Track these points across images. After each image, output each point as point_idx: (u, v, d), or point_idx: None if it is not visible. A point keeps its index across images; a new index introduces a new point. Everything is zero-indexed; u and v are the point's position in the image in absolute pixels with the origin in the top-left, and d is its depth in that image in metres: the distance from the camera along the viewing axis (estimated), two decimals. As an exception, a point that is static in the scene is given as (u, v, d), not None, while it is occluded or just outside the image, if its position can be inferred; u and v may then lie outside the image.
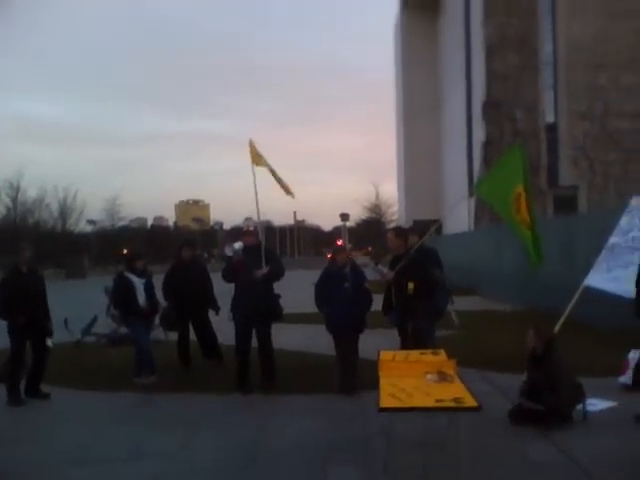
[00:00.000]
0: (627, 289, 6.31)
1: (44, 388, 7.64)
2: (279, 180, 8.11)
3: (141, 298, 8.10)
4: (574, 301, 7.04)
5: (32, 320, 7.31)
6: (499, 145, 34.56)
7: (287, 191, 8.19)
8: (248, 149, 8.04)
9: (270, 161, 8.01)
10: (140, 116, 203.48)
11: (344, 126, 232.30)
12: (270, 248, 8.07)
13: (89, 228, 66.65)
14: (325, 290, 7.41)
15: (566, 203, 33.63)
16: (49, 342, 7.81)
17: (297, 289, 13.78)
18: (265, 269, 7.46)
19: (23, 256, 7.55)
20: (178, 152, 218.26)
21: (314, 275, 10.08)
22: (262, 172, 8.03)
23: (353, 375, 7.18)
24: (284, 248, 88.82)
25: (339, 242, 37.19)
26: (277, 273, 7.67)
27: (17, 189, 54.55)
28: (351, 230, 74.29)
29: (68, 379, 8.42)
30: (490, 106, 36.76)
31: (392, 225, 60.51)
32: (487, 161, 34.69)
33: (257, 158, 8.00)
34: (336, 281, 7.31)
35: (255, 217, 9.14)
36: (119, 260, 17.24)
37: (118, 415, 6.85)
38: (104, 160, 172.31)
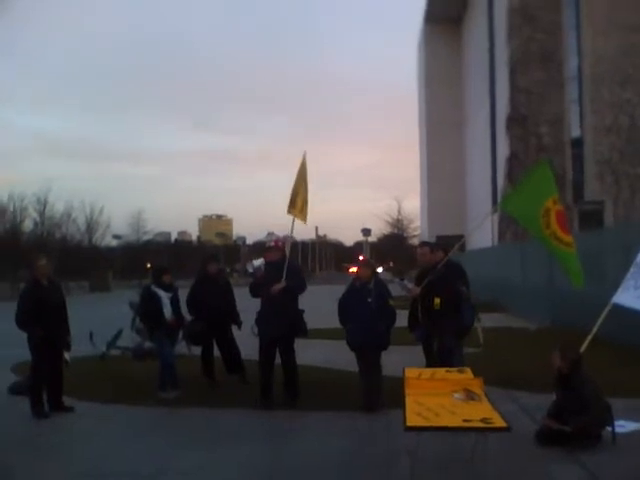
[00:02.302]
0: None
1: (68, 401, 7.68)
2: (304, 201, 8.07)
3: (167, 312, 8.13)
4: (601, 320, 6.91)
5: (50, 333, 7.32)
6: (524, 160, 34.39)
7: (303, 214, 8.11)
8: (300, 160, 8.11)
9: (287, 184, 8.08)
10: (160, 132, 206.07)
11: (366, 142, 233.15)
12: (293, 263, 8.05)
13: (114, 243, 67.41)
14: (348, 305, 7.38)
15: (592, 218, 33.22)
16: (67, 356, 7.86)
17: (319, 304, 13.75)
18: (282, 284, 7.43)
19: (39, 267, 7.58)
20: (200, 168, 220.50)
21: (336, 290, 10.05)
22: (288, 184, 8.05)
23: (377, 392, 7.11)
24: (306, 263, 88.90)
25: (362, 257, 37.12)
26: (296, 287, 7.60)
27: (44, 204, 55.35)
28: (372, 245, 74.14)
29: (92, 392, 8.46)
30: (514, 121, 36.59)
31: (415, 240, 60.33)
32: (511, 176, 34.49)
33: (302, 172, 8.05)
34: (360, 297, 7.27)
35: (277, 232, 9.18)
36: (143, 274, 17.42)
37: (140, 429, 6.86)
38: (128, 175, 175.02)
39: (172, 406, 7.64)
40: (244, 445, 6.07)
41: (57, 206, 56.74)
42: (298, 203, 8.07)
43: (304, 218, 8.21)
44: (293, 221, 8.14)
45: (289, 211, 8.10)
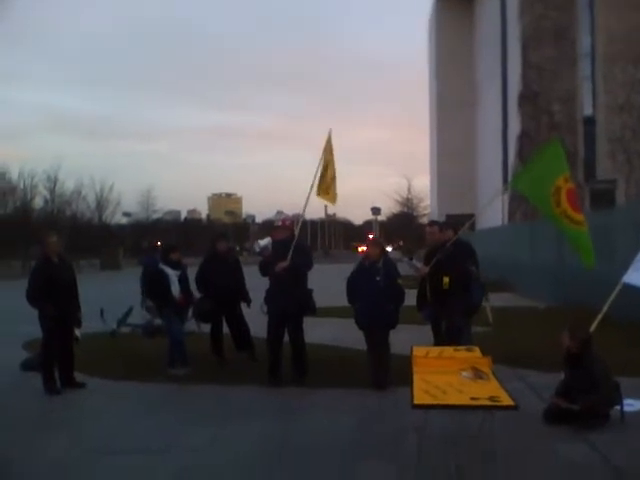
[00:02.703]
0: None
1: (79, 377, 7.77)
2: (332, 179, 7.79)
3: (175, 290, 8.16)
4: (611, 299, 6.88)
5: (61, 310, 7.38)
6: (535, 138, 34.05)
7: (331, 196, 7.86)
8: (325, 138, 7.79)
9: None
10: (171, 110, 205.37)
11: (377, 120, 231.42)
12: (301, 242, 8.01)
13: (124, 220, 67.66)
14: (357, 284, 7.38)
15: (603, 197, 32.95)
16: (77, 332, 7.92)
17: (328, 283, 13.76)
18: (286, 262, 7.39)
19: (49, 244, 7.61)
20: (210, 145, 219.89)
21: (345, 269, 10.06)
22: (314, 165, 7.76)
23: (385, 370, 7.14)
24: (315, 242, 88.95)
25: (371, 236, 37.08)
26: (301, 265, 7.54)
27: (55, 181, 55.48)
28: (382, 224, 74.03)
29: (103, 369, 8.55)
30: (526, 99, 36.18)
31: (425, 219, 60.14)
32: (522, 155, 34.20)
33: (328, 152, 7.76)
34: (368, 276, 7.27)
35: (287, 210, 9.14)
36: (152, 251, 17.43)
37: (150, 406, 6.93)
38: (138, 153, 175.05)
39: (182, 383, 7.71)
40: (254, 422, 6.12)
41: (67, 184, 56.91)
42: (326, 185, 7.81)
43: (333, 200, 8.00)
44: (307, 200, 7.92)
45: (318, 194, 7.85)
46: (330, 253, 72.17)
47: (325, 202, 8.06)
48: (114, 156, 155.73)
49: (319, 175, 7.79)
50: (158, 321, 10.20)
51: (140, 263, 17.54)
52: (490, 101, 44.52)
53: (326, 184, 7.83)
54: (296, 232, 7.93)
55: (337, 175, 7.88)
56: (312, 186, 7.80)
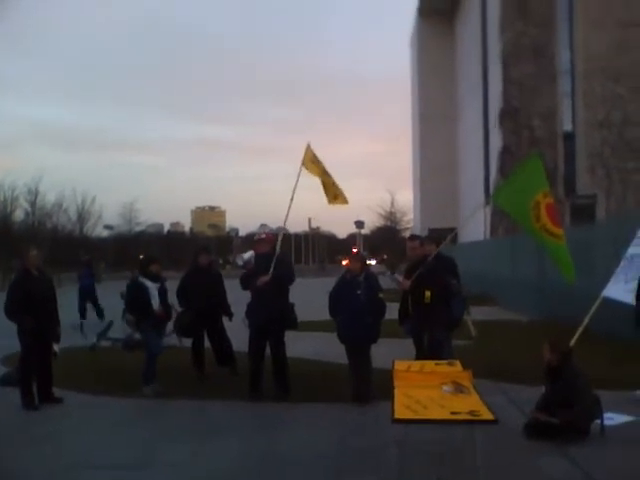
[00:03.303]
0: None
1: (57, 392, 7.65)
2: (333, 185, 7.98)
3: (155, 303, 8.05)
4: (592, 313, 6.94)
5: (40, 324, 7.28)
6: (516, 153, 34.40)
7: (341, 198, 8.03)
8: (304, 152, 7.93)
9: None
10: (154, 122, 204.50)
11: (359, 133, 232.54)
12: (283, 255, 8.02)
13: (106, 233, 67.19)
14: (339, 298, 7.37)
15: (584, 212, 33.33)
16: (56, 347, 7.81)
17: (311, 297, 13.74)
18: (267, 276, 7.39)
19: (30, 257, 7.54)
20: (193, 158, 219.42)
21: (328, 283, 10.05)
22: (305, 177, 7.96)
23: (366, 385, 7.11)
24: (299, 255, 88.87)
25: (354, 250, 37.12)
26: (283, 277, 7.55)
27: (36, 193, 55.05)
28: (365, 238, 74.20)
29: (82, 383, 8.44)
30: (507, 114, 36.61)
31: (408, 233, 60.39)
32: (504, 170, 34.52)
33: (310, 164, 7.89)
34: (350, 289, 7.26)
35: (270, 224, 9.14)
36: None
37: (130, 421, 6.85)
38: (120, 165, 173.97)
39: (162, 398, 7.63)
40: (233, 437, 6.07)
41: (48, 196, 56.51)
42: (331, 191, 8.01)
43: (344, 200, 8.13)
44: (287, 213, 8.05)
45: (329, 202, 8.07)
46: (326, 267, 71.89)
47: (339, 205, 8.20)
48: (96, 168, 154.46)
49: (323, 187, 7.94)
50: (138, 335, 10.10)
51: (79, 277, 17.48)
52: (472, 116, 45.00)
53: (331, 190, 7.99)
54: (277, 246, 7.92)
55: (316, 190, 8.06)
56: (292, 199, 7.95)
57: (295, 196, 7.99)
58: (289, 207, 7.99)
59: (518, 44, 36.55)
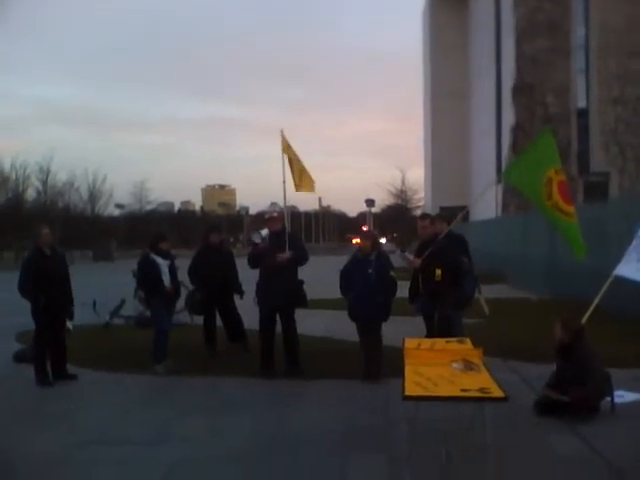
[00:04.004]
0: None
1: (71, 369, 7.75)
2: (301, 172, 8.11)
3: (166, 280, 8.04)
4: (603, 291, 6.91)
5: (54, 301, 7.37)
6: (529, 130, 34.10)
7: (308, 186, 8.21)
8: (279, 139, 8.05)
9: (298, 151, 8.11)
10: (164, 102, 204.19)
11: (371, 111, 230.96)
12: (294, 233, 8.07)
13: (117, 212, 67.47)
14: (350, 276, 7.38)
15: (597, 190, 33.05)
16: (69, 324, 7.87)
17: (322, 275, 13.78)
18: (289, 253, 7.46)
19: (42, 236, 7.58)
20: (203, 138, 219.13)
21: (339, 261, 10.06)
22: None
23: (377, 362, 7.15)
24: (309, 234, 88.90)
25: (365, 228, 37.07)
26: (301, 258, 7.67)
27: (47, 172, 55.20)
28: (376, 216, 74.09)
29: (96, 361, 8.54)
30: (520, 90, 36.20)
31: (418, 211, 60.23)
32: (516, 147, 34.26)
33: (287, 148, 8.04)
34: (361, 268, 7.27)
35: (280, 202, 9.15)
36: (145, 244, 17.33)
37: (143, 397, 6.93)
38: (131, 144, 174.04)
39: (174, 375, 7.71)
40: (246, 413, 6.14)
41: (60, 175, 56.68)
42: (299, 179, 8.13)
43: (310, 188, 8.31)
44: (284, 193, 8.16)
45: (297, 190, 8.19)
46: (344, 245, 71.23)
47: (306, 193, 8.42)
48: (107, 148, 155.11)
49: (290, 173, 8.07)
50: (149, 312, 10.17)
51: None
52: (484, 93, 44.52)
53: (298, 178, 8.09)
54: (286, 223, 7.95)
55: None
56: (284, 182, 8.07)
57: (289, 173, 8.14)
58: (284, 190, 8.12)
59: (532, 19, 36.02)
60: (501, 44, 40.53)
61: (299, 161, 8.16)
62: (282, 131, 8.05)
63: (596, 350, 5.90)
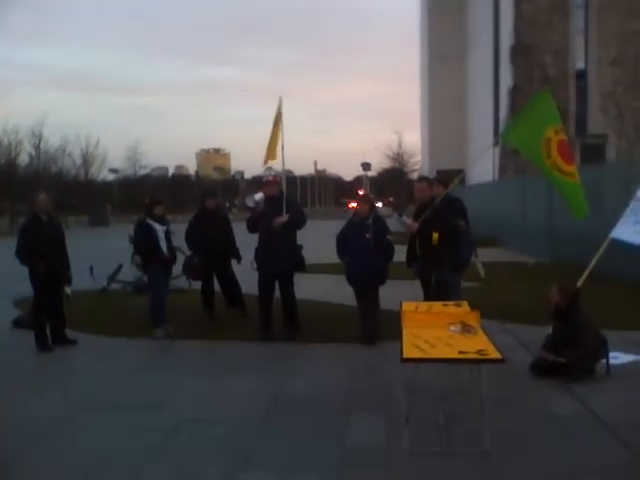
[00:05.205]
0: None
1: (71, 334, 7.79)
2: (272, 144, 7.94)
3: (163, 245, 8.03)
4: (599, 254, 6.92)
5: (51, 267, 7.37)
6: (527, 92, 33.65)
7: (267, 157, 8.00)
8: (277, 104, 7.99)
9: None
10: (158, 64, 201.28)
11: (367, 74, 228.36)
12: (291, 198, 8.02)
13: (111, 177, 66.97)
14: (346, 241, 7.38)
15: (594, 152, 32.89)
16: (67, 290, 7.89)
17: (318, 240, 13.78)
18: (285, 217, 7.44)
19: (38, 202, 7.55)
20: (197, 101, 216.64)
21: (335, 225, 10.05)
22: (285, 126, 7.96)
23: (375, 326, 7.20)
24: (305, 198, 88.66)
25: (361, 192, 36.95)
26: (297, 221, 7.63)
27: (39, 137, 54.53)
28: (372, 180, 73.76)
29: (94, 326, 8.58)
30: (518, 51, 35.74)
31: (415, 175, 59.96)
32: (514, 109, 33.94)
33: (278, 116, 7.94)
34: (358, 232, 7.26)
35: (276, 166, 9.07)
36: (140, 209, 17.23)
37: (141, 362, 6.98)
38: (124, 108, 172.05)
39: (173, 339, 7.76)
40: (245, 376, 6.19)
41: (52, 140, 56.07)
42: (270, 151, 7.97)
43: (273, 156, 8.00)
44: (282, 156, 8.00)
45: (265, 162, 8.06)
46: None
47: (270, 163, 8.26)
48: (101, 112, 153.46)
49: (267, 144, 7.93)
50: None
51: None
52: (481, 54, 43.95)
53: (271, 150, 7.93)
54: (283, 188, 7.90)
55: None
56: (282, 147, 7.93)
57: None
58: (282, 155, 7.98)
59: (531, -22, 35.34)
60: (499, 3, 39.87)
61: (279, 136, 7.96)
62: (281, 98, 7.96)
63: (591, 313, 5.94)
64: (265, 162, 8.05)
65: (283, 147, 7.98)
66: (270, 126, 8.00)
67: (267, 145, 7.99)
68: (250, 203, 7.83)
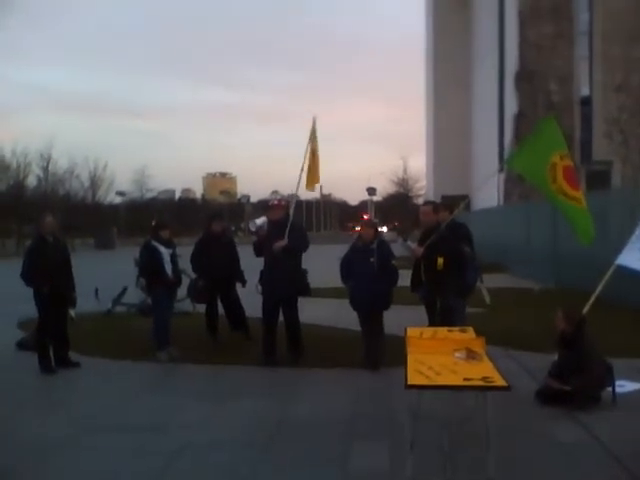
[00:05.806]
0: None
1: (74, 357, 7.78)
2: (314, 168, 7.88)
3: (168, 268, 8.05)
4: (605, 281, 6.90)
5: (56, 289, 7.39)
6: (532, 118, 33.81)
7: (310, 181, 7.93)
8: (311, 124, 7.93)
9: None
10: (166, 87, 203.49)
11: (373, 98, 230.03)
12: (297, 222, 8.02)
13: (118, 199, 67.33)
14: (351, 265, 7.38)
15: (600, 179, 32.89)
16: (72, 312, 7.89)
17: (323, 264, 13.78)
18: (284, 241, 7.43)
19: (45, 223, 7.60)
20: (203, 124, 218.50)
21: (340, 249, 10.05)
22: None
23: (379, 351, 7.17)
24: (310, 222, 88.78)
25: (365, 217, 37.02)
26: (298, 245, 7.57)
27: (48, 160, 55.03)
28: (377, 204, 73.88)
29: (98, 348, 8.57)
30: (523, 77, 35.96)
31: (420, 200, 60.07)
32: (519, 135, 34.06)
33: (312, 137, 7.87)
34: (362, 257, 7.27)
35: (282, 190, 9.09)
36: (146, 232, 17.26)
37: (145, 385, 6.96)
38: (132, 131, 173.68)
39: (177, 362, 7.73)
40: (248, 401, 6.16)
41: (61, 162, 56.55)
42: (312, 175, 7.90)
43: (317, 180, 8.01)
44: (299, 180, 7.94)
45: (308, 187, 7.98)
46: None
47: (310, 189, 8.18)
48: (108, 135, 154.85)
49: (306, 167, 7.84)
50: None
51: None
52: (486, 79, 44.26)
53: (313, 174, 7.88)
54: (291, 212, 7.91)
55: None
56: (302, 168, 7.86)
57: (304, 165, 7.92)
58: (300, 175, 7.90)
59: (536, 4, 35.72)
60: (504, 29, 40.24)
61: (318, 158, 7.87)
62: (314, 118, 7.93)
63: (596, 340, 5.90)
64: (310, 186, 7.94)
65: (303, 169, 7.87)
66: (299, 150, 7.88)
67: (307, 168, 7.85)
68: (252, 227, 7.84)
